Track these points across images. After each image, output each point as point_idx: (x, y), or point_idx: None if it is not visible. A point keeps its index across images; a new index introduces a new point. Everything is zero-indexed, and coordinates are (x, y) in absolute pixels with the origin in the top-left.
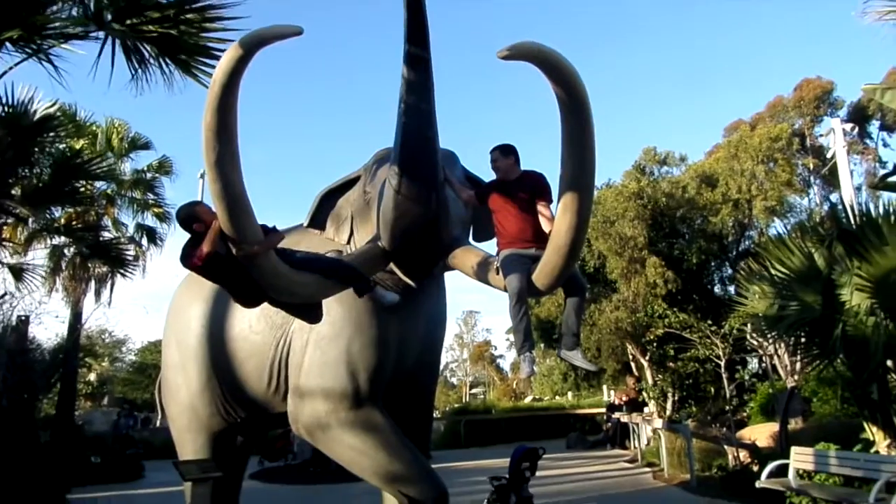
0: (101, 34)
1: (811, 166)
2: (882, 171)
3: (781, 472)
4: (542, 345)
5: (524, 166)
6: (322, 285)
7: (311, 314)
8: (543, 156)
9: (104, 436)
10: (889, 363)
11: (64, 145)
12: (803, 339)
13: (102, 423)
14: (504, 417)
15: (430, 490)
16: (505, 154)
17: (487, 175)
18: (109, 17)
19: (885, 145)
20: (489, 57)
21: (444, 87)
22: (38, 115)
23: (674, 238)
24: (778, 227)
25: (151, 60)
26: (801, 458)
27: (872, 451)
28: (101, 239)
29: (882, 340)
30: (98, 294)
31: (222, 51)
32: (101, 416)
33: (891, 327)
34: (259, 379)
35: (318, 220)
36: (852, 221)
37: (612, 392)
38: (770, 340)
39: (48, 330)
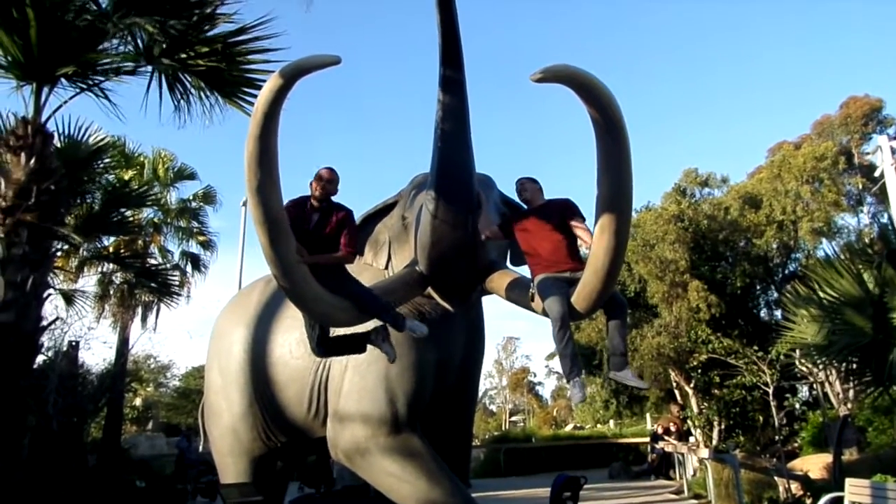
0: (150, 68)
1: (860, 185)
2: None
3: None
4: (583, 371)
5: (556, 189)
6: (357, 314)
7: (359, 347)
8: (580, 178)
9: (149, 460)
10: None
11: (113, 175)
12: (855, 366)
13: (147, 447)
14: (544, 446)
15: None
16: (531, 181)
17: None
18: (158, 52)
19: None
20: (524, 79)
21: (481, 110)
22: (90, 147)
23: (716, 261)
24: (826, 248)
25: (193, 92)
26: (856, 490)
27: None
28: (147, 266)
29: None
30: (144, 320)
31: (265, 80)
32: (146, 440)
33: None
34: (299, 404)
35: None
36: None
37: (656, 420)
38: (820, 367)
39: (96, 355)
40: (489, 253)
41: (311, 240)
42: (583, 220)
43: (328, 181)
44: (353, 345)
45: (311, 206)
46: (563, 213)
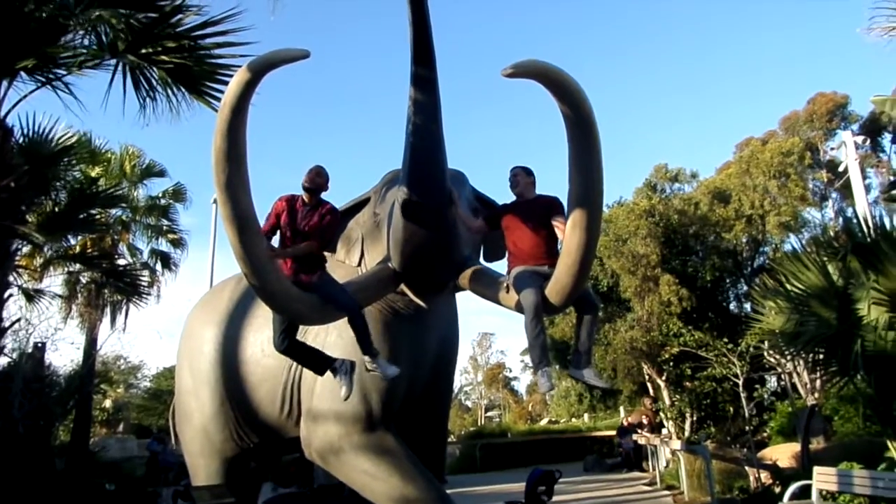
0: (114, 61)
1: (825, 180)
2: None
3: (804, 493)
4: (556, 366)
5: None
6: (327, 310)
7: (319, 366)
8: (552, 175)
9: (119, 462)
10: None
11: (79, 173)
12: (822, 356)
13: (117, 449)
14: (520, 441)
15: None
16: (526, 173)
17: (497, 194)
18: (122, 46)
19: None
20: (495, 75)
21: (452, 106)
22: (56, 145)
23: (687, 255)
24: (793, 242)
25: (159, 87)
26: (824, 478)
27: None
28: (115, 265)
29: None
30: (113, 320)
31: (232, 75)
32: (116, 442)
33: None
34: (272, 403)
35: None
36: (867, 235)
37: (630, 413)
38: (788, 358)
39: (63, 356)
40: (462, 249)
41: (297, 235)
42: (565, 219)
43: (317, 174)
44: (315, 362)
45: (301, 201)
46: (548, 211)
